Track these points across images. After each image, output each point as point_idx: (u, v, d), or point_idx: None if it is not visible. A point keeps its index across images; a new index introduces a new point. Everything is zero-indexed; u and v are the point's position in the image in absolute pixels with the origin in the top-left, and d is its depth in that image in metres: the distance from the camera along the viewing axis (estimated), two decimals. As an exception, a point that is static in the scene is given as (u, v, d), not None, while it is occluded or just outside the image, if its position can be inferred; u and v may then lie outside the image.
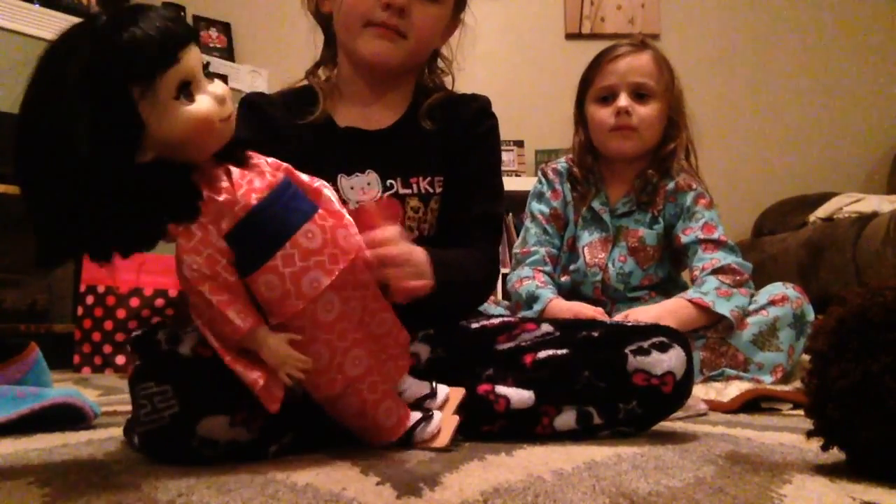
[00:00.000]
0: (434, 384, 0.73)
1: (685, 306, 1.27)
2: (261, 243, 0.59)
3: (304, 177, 0.66)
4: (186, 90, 0.56)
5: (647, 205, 1.42)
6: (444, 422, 0.69)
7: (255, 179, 0.61)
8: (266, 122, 0.91)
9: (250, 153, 0.63)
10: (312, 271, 0.59)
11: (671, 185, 1.40)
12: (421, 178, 0.91)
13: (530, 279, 1.41)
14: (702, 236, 1.36)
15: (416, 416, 0.69)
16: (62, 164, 0.51)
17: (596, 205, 1.44)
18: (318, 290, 0.59)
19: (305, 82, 0.97)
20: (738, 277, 1.30)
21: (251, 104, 0.93)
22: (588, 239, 1.44)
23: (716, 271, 1.31)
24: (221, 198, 0.59)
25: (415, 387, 0.71)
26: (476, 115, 0.96)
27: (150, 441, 0.62)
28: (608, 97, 1.41)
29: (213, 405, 0.62)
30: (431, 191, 0.91)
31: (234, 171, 0.61)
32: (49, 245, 0.54)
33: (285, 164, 0.65)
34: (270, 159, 0.65)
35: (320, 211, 0.62)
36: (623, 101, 1.38)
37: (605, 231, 1.43)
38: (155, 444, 0.62)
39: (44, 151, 0.52)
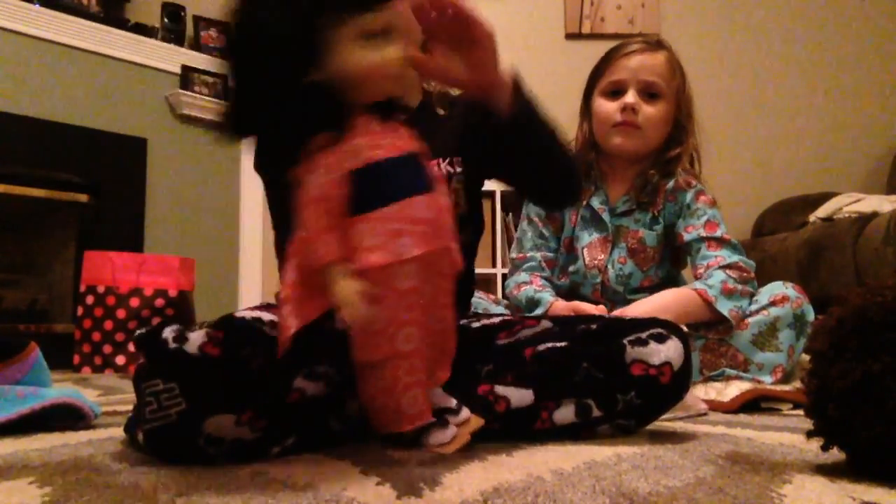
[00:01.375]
0: (460, 403, 0.72)
1: (689, 294, 1.27)
2: (370, 194, 0.61)
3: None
4: (372, 37, 0.60)
5: (647, 204, 1.41)
6: (457, 436, 0.69)
7: (391, 139, 0.64)
8: None
9: (402, 119, 0.66)
10: (407, 237, 0.61)
11: (671, 184, 1.39)
12: (441, 160, 0.93)
13: (528, 284, 1.40)
14: (705, 234, 1.35)
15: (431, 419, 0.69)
16: (250, 58, 0.60)
17: (595, 204, 1.43)
18: (404, 255, 0.60)
19: None
20: (744, 274, 1.29)
21: None
22: (587, 240, 1.43)
23: (722, 268, 1.30)
24: (355, 141, 0.62)
25: (440, 397, 0.70)
26: None
27: (155, 439, 0.62)
28: (616, 92, 1.39)
29: (220, 404, 0.62)
30: (452, 171, 0.94)
31: (377, 126, 0.64)
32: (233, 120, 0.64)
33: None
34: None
35: (438, 192, 0.65)
36: (631, 97, 1.36)
37: (604, 231, 1.42)
38: (161, 442, 0.62)
39: (246, 46, 0.61)
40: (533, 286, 1.39)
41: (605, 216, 1.41)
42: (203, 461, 0.61)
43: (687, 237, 1.37)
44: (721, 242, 1.34)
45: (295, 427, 0.67)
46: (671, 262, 1.45)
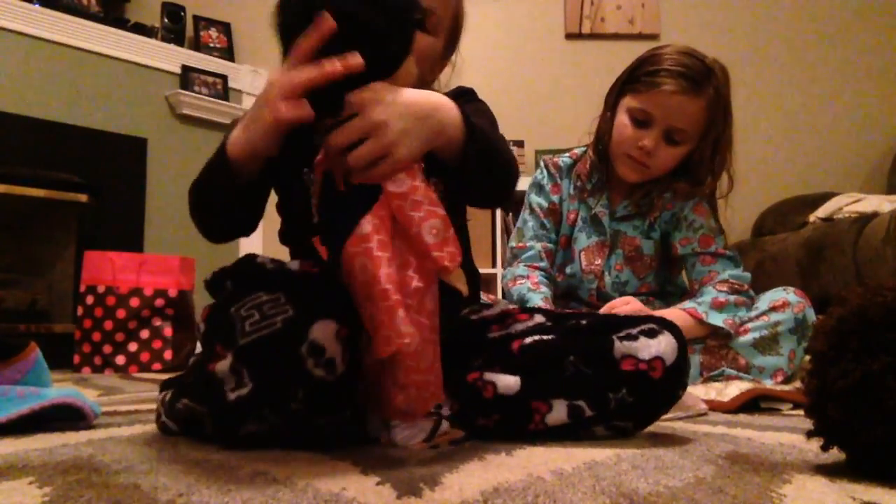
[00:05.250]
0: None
1: (679, 315, 1.26)
2: None
3: None
4: None
5: (645, 213, 1.41)
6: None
7: None
8: None
9: None
10: None
11: (669, 194, 1.39)
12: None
13: (524, 279, 1.39)
14: (699, 249, 1.35)
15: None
16: None
17: (597, 207, 1.43)
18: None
19: None
20: (735, 286, 1.30)
21: None
22: (585, 242, 1.43)
23: (714, 285, 1.31)
24: None
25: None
26: (456, 92, 0.96)
27: (255, 351, 0.61)
28: (642, 122, 1.32)
29: (325, 309, 0.62)
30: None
31: None
32: None
33: None
34: None
35: None
36: (650, 140, 1.31)
37: (602, 235, 1.42)
38: (262, 354, 0.61)
39: None
40: (528, 283, 1.38)
41: (605, 220, 1.41)
42: (300, 380, 0.61)
43: (682, 250, 1.37)
44: (715, 257, 1.34)
45: (350, 396, 0.68)
46: (666, 268, 1.45)
